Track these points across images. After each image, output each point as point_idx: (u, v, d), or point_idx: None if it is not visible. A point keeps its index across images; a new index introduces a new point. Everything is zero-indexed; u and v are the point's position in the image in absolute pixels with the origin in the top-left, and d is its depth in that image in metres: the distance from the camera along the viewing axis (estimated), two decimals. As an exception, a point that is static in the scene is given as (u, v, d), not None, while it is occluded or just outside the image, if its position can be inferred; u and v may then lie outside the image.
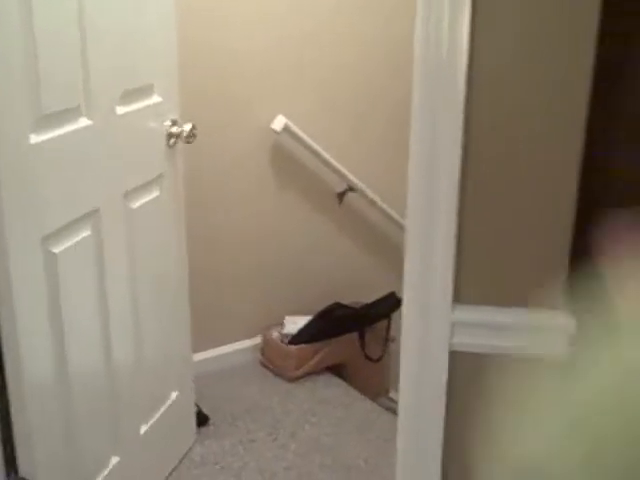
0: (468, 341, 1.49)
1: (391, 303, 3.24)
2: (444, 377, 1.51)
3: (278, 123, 3.09)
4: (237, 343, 3.42)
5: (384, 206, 3.43)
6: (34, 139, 1.74)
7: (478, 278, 1.48)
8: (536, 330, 1.44)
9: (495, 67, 1.40)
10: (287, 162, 3.27)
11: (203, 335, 3.10)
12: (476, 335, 1.49)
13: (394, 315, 3.27)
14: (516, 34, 1.40)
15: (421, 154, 1.46)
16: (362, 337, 3.32)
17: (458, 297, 1.48)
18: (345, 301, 3.39)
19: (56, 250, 1.86)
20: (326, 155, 3.25)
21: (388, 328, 3.34)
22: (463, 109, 1.41)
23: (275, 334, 3.36)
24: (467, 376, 1.52)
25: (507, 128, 1.43)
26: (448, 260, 1.45)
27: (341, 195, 3.35)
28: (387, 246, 3.49)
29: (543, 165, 1.42)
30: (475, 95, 1.41)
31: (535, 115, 1.41)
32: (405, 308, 1.53)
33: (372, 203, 3.42)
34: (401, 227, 3.30)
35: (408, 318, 1.53)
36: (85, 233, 1.98)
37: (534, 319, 1.45)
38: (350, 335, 3.32)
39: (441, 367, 1.50)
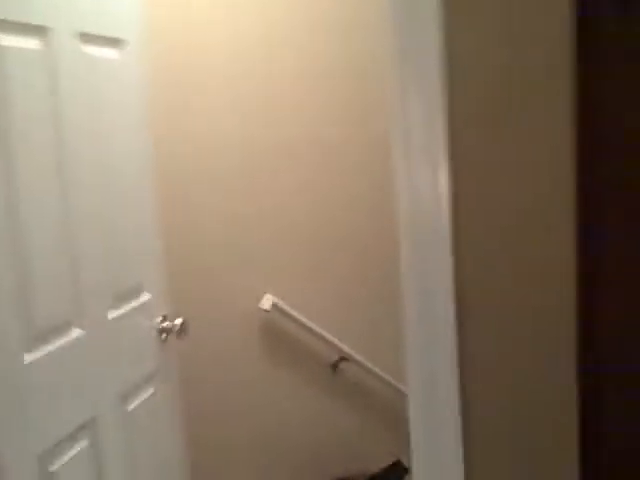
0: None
1: (398, 472, 3.16)
2: None
3: (266, 302, 3.11)
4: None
5: (379, 372, 3.40)
6: (28, 358, 1.73)
7: (489, 464, 1.45)
8: None
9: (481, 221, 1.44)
10: (279, 337, 3.27)
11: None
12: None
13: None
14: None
15: (417, 331, 1.48)
16: (371, 511, 3.22)
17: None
18: (348, 473, 3.31)
19: (52, 468, 1.81)
20: (316, 327, 3.25)
21: (397, 499, 3.24)
22: (453, 269, 1.42)
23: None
24: None
25: (505, 290, 1.44)
26: (457, 455, 1.43)
27: (335, 365, 3.33)
28: (386, 412, 3.44)
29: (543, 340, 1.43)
30: (462, 250, 1.43)
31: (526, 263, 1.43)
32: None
33: (366, 370, 3.39)
34: (397, 391, 3.27)
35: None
36: (82, 445, 1.94)
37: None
38: (358, 510, 3.22)
39: None
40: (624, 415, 1.70)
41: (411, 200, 1.45)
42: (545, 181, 1.40)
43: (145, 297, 2.28)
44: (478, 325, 1.45)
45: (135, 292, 2.23)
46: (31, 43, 1.79)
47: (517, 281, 1.43)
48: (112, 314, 2.08)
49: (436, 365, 1.46)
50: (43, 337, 1.80)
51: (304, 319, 3.22)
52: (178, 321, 2.33)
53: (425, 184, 1.43)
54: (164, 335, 2.32)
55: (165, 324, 2.32)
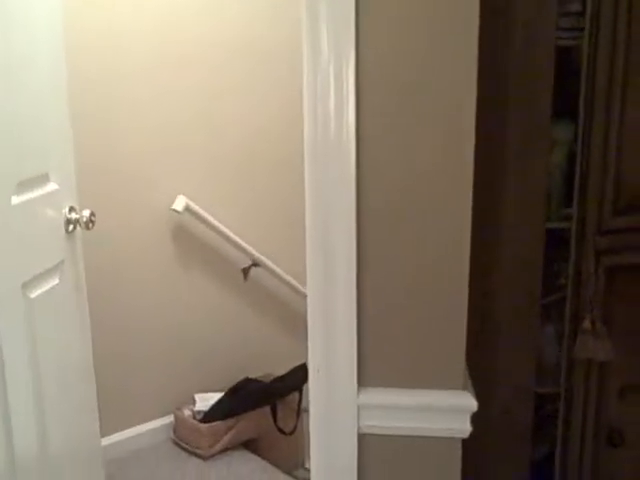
0: (375, 424, 1.51)
1: (302, 375, 3.24)
2: (354, 460, 1.52)
3: (179, 203, 3.09)
4: (148, 423, 3.35)
5: (289, 278, 3.45)
6: None
7: (381, 361, 1.50)
8: (439, 410, 1.47)
9: (382, 143, 1.44)
10: (190, 241, 3.27)
11: (113, 418, 3.04)
12: (382, 418, 1.51)
13: (305, 387, 3.27)
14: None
15: (316, 237, 1.50)
16: (274, 411, 3.30)
17: (363, 381, 1.50)
18: (256, 375, 3.37)
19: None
20: (228, 232, 3.26)
21: (300, 400, 3.34)
22: (355, 189, 1.43)
23: (187, 412, 3.31)
24: (376, 458, 1.53)
25: (398, 203, 1.46)
26: (351, 345, 1.47)
27: (246, 270, 3.35)
28: (295, 318, 3.51)
29: (436, 243, 1.46)
30: (365, 173, 1.44)
31: (423, 188, 1.45)
32: (312, 393, 1.55)
33: (277, 276, 3.43)
34: (306, 298, 3.32)
35: (315, 403, 1.54)
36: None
37: (437, 400, 1.48)
38: (262, 409, 3.29)
39: (350, 450, 1.51)
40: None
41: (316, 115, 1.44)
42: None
43: (52, 187, 2.24)
44: (376, 222, 1.47)
45: (41, 180, 2.19)
46: None
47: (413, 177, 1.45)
48: (16, 200, 2.03)
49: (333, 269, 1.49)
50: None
51: (217, 223, 3.22)
52: (86, 212, 2.30)
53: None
54: (71, 226, 2.29)
55: (72, 215, 2.29)
